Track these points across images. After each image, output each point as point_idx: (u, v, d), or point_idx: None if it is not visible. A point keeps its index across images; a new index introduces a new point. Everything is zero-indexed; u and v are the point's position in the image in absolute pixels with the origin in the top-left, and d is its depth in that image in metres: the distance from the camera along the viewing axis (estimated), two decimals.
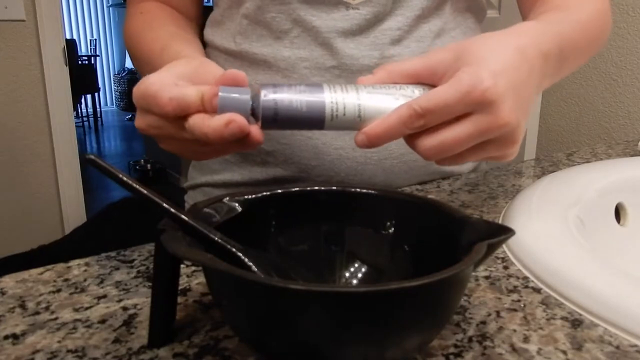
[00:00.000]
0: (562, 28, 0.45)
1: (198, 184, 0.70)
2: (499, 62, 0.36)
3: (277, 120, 0.35)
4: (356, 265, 0.38)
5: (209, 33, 0.66)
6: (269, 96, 0.35)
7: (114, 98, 6.89)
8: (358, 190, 0.38)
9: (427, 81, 0.38)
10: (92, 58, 5.81)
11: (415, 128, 0.35)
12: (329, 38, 0.56)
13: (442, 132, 0.36)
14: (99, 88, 5.99)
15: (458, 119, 0.35)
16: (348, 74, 0.57)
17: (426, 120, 0.35)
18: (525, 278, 0.41)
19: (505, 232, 0.30)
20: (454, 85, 0.35)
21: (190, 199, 0.72)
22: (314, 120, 0.36)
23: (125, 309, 0.36)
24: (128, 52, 0.62)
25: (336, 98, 0.36)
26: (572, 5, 0.51)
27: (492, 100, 0.35)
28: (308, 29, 0.57)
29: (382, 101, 0.36)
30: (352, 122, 0.36)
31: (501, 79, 0.35)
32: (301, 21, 0.57)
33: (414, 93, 0.37)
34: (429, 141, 0.36)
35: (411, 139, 0.37)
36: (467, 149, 0.37)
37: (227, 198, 0.35)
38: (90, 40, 6.57)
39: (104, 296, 0.38)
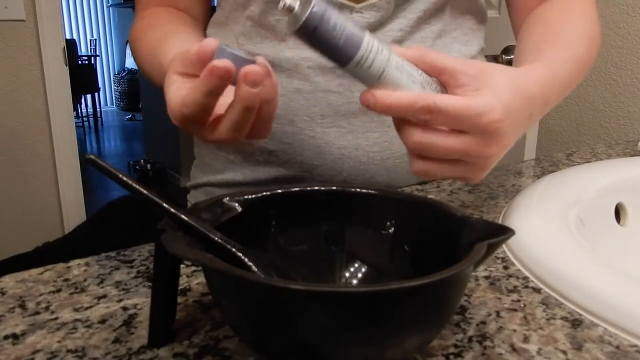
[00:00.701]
0: (565, 75, 0.48)
1: (200, 184, 0.70)
2: (512, 101, 0.38)
3: (313, 34, 0.35)
4: (356, 265, 0.38)
5: (211, 34, 0.66)
6: (318, 9, 0.34)
7: (114, 98, 6.89)
8: (358, 190, 0.38)
9: (443, 81, 0.39)
10: (92, 58, 5.81)
11: (417, 118, 0.37)
12: None
13: (435, 134, 0.37)
14: (99, 88, 5.99)
15: (453, 131, 0.37)
16: None
17: (431, 118, 0.37)
18: (525, 278, 0.41)
19: (505, 232, 0.30)
20: (469, 103, 0.36)
21: (193, 198, 0.72)
22: (343, 53, 0.35)
23: (125, 309, 0.36)
24: (132, 55, 0.63)
25: (372, 47, 0.36)
26: (566, 33, 0.53)
27: (494, 133, 0.37)
28: None
29: (403, 77, 0.37)
30: (370, 78, 0.36)
31: (509, 117, 0.38)
32: None
33: (428, 84, 0.38)
34: (420, 136, 0.37)
35: (402, 123, 0.38)
36: (443, 160, 0.38)
37: (227, 198, 0.35)
38: (90, 40, 6.57)
39: (104, 296, 0.38)
